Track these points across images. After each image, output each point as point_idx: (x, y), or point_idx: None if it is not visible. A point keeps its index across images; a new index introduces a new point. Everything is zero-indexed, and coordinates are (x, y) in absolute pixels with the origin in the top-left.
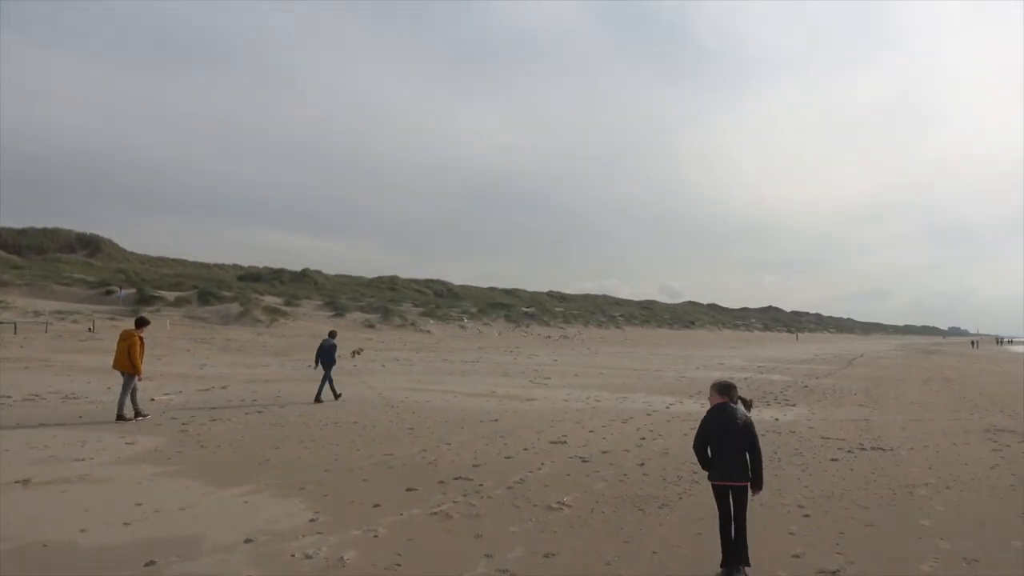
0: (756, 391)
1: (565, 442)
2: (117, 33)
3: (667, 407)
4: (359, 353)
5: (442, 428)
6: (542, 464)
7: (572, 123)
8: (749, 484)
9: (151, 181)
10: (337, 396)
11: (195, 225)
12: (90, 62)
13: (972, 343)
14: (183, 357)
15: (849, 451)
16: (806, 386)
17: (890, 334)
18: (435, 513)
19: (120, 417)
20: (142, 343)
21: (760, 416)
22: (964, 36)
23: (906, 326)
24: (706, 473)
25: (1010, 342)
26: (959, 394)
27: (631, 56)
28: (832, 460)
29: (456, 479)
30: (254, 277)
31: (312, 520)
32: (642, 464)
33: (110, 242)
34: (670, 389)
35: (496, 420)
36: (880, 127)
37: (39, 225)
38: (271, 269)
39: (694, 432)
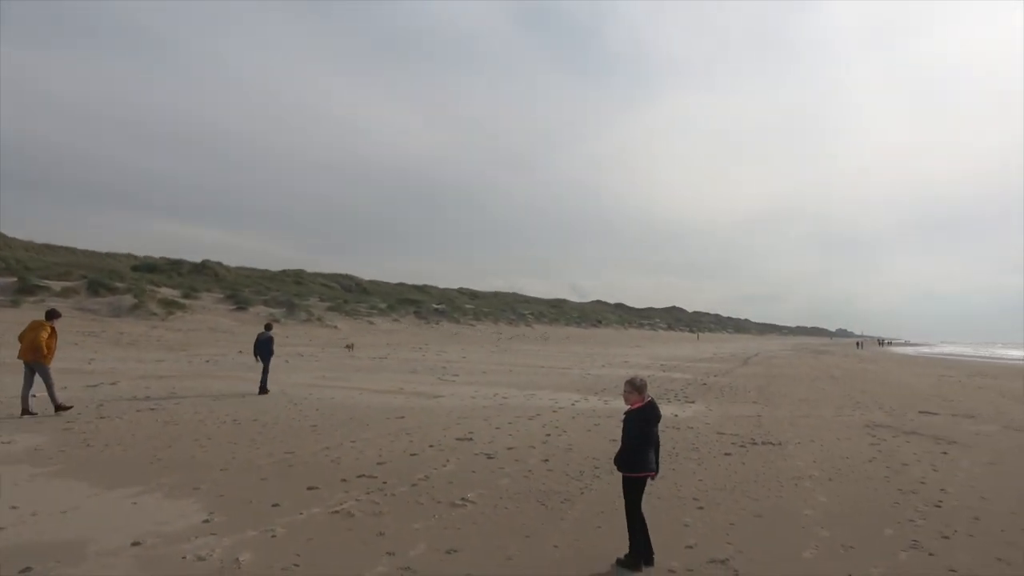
0: (659, 388)
1: (471, 439)
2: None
3: (572, 404)
4: (351, 347)
5: (346, 425)
6: (447, 461)
7: (485, 121)
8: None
9: (37, 164)
10: (263, 391)
11: (86, 212)
12: None
13: (857, 344)
14: (69, 352)
15: (742, 446)
16: (704, 384)
17: (784, 335)
18: (337, 512)
19: (56, 407)
20: (54, 333)
21: (661, 413)
22: (860, 57)
23: (798, 327)
24: (613, 467)
25: (890, 343)
26: (844, 392)
27: (546, 57)
28: (726, 454)
29: (359, 477)
30: (150, 268)
31: (206, 521)
32: (546, 460)
33: None
34: (576, 386)
35: (402, 417)
36: (780, 137)
37: None
38: (169, 260)
39: (597, 428)
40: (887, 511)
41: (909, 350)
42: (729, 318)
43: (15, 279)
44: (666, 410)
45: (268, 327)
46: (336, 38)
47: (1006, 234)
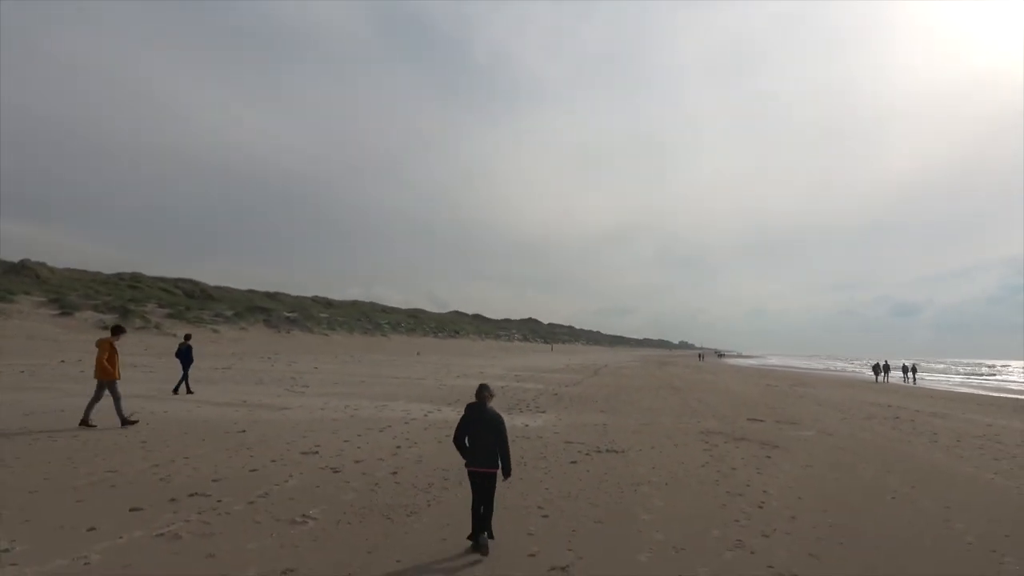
0: (511, 399)
1: (317, 452)
2: None
3: (425, 415)
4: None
5: (180, 440)
6: (290, 476)
7: (340, 125)
8: (499, 471)
9: None
10: (178, 390)
11: None
12: None
13: (699, 356)
14: None
15: (587, 454)
16: (556, 394)
17: (632, 346)
18: (162, 534)
19: (122, 422)
20: (114, 350)
21: (512, 423)
22: (708, 84)
23: (645, 339)
24: (463, 477)
25: (725, 356)
26: (683, 401)
27: (404, 63)
28: (572, 463)
29: (191, 495)
30: None
31: (6, 551)
32: (395, 472)
33: None
34: (430, 397)
35: (244, 431)
36: (633, 158)
37: None
38: None
39: (449, 439)
40: (715, 513)
41: (743, 361)
42: (582, 330)
43: None
44: (517, 420)
45: (187, 337)
46: (186, 30)
47: (820, 258)
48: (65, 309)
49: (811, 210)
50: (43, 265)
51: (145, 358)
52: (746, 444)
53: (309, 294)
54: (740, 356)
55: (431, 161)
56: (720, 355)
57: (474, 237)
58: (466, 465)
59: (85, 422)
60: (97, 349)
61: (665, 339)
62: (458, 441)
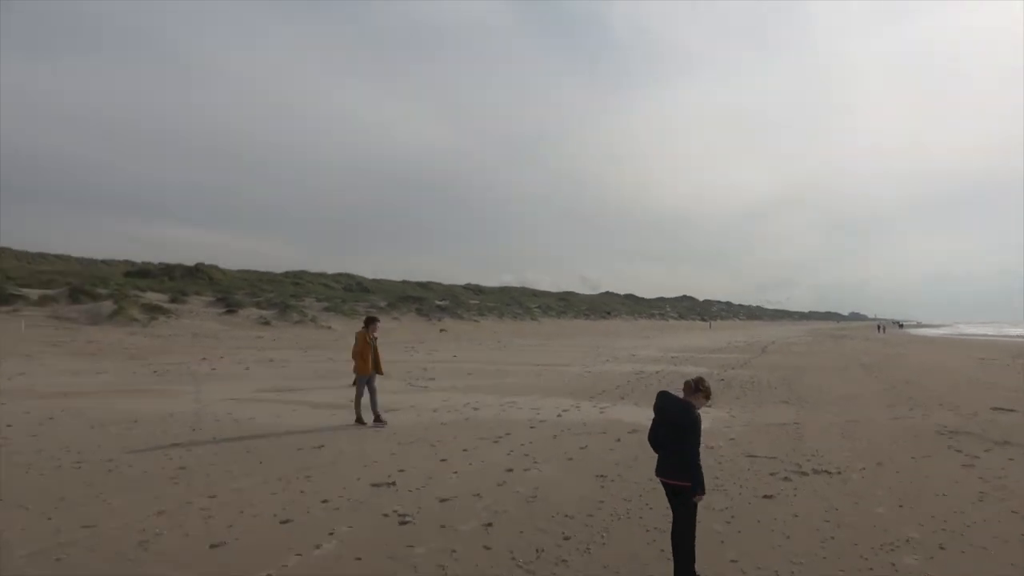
0: (669, 387)
1: (394, 484)
2: None
3: (558, 415)
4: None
5: (240, 462)
6: (331, 533)
7: (486, 115)
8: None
9: (29, 171)
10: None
11: (82, 219)
12: None
13: (879, 328)
14: (10, 365)
15: (786, 478)
16: (722, 379)
17: (796, 320)
18: None
19: (374, 419)
20: (365, 342)
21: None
22: (873, 34)
23: (811, 312)
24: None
25: (903, 326)
26: (885, 383)
27: (544, 47)
28: (766, 497)
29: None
30: (143, 273)
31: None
32: (489, 525)
33: None
34: (570, 389)
35: (320, 447)
36: (787, 120)
37: None
38: (163, 265)
39: (582, 455)
40: None
41: (928, 332)
42: (740, 306)
43: None
44: None
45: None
46: (332, 35)
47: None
48: (230, 307)
49: (1001, 163)
50: (215, 267)
51: (288, 352)
52: (1019, 451)
53: (462, 282)
54: (920, 326)
55: (575, 143)
56: (900, 325)
57: (624, 216)
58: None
59: (360, 420)
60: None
61: (833, 311)
62: (651, 439)
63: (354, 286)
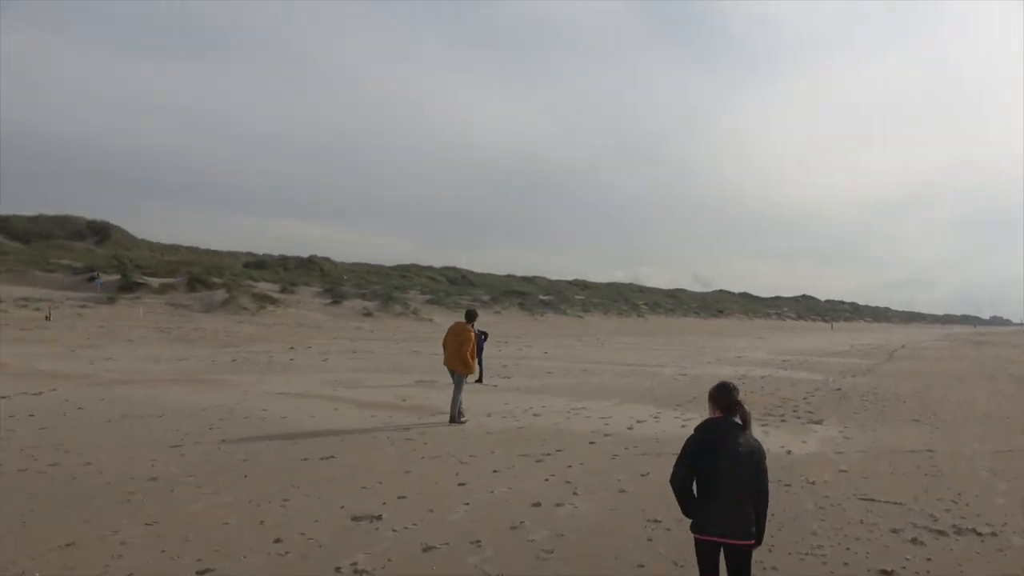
0: (771, 397)
1: (379, 518)
2: (120, 20)
3: (630, 427)
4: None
5: (236, 470)
6: None
7: (598, 110)
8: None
9: (162, 169)
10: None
11: (210, 213)
12: (92, 49)
13: None
14: (108, 349)
15: (915, 538)
16: (839, 388)
17: (929, 323)
18: None
19: (454, 420)
20: (465, 337)
21: (767, 442)
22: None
23: (946, 315)
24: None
25: None
26: None
27: (658, 40)
28: (884, 574)
29: None
30: (260, 264)
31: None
32: None
33: (120, 229)
34: (655, 395)
35: (331, 457)
36: (924, 108)
37: (51, 212)
38: (279, 256)
39: (646, 482)
40: None
41: None
42: (867, 307)
43: (118, 276)
44: (774, 439)
45: (469, 317)
46: (444, 35)
47: None
48: (335, 298)
49: None
50: (328, 259)
51: (379, 343)
52: None
53: (570, 278)
54: None
55: (692, 139)
56: None
57: (741, 212)
58: (693, 529)
59: (454, 419)
60: (452, 337)
61: (971, 314)
62: (681, 483)
63: (459, 279)
